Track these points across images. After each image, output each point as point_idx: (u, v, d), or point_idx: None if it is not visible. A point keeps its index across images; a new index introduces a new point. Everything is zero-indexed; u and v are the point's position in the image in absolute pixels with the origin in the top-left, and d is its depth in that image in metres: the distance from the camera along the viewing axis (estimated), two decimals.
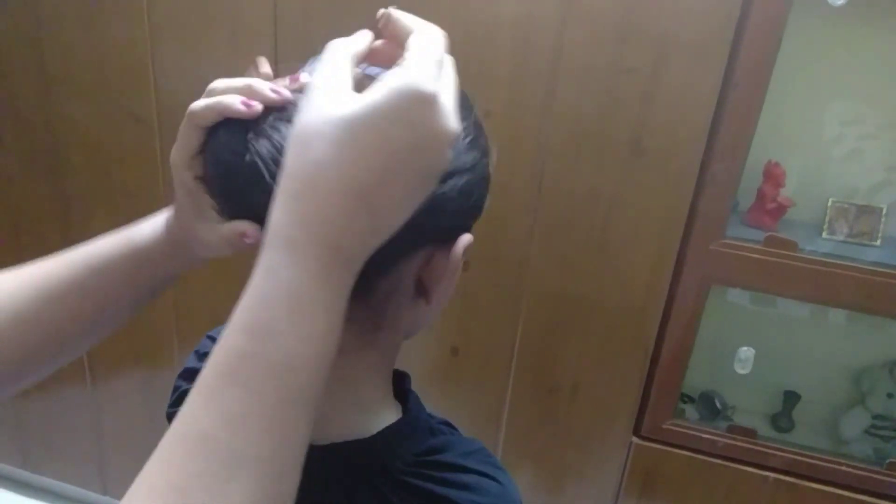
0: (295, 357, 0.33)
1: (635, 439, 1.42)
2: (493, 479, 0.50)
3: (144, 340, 1.69)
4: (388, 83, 0.33)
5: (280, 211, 0.34)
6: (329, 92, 0.34)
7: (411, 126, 0.34)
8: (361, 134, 0.33)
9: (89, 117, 1.51)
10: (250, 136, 0.41)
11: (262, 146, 0.40)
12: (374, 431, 0.49)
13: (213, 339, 0.60)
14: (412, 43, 0.36)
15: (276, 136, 0.40)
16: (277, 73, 0.48)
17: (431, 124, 0.34)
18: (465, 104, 0.46)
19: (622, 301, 1.32)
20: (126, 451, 1.82)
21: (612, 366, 1.38)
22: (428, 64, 0.35)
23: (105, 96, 1.48)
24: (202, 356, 0.59)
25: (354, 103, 0.33)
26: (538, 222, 1.31)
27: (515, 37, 1.21)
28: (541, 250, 1.33)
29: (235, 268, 1.54)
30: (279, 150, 0.39)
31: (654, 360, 1.36)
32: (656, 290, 1.30)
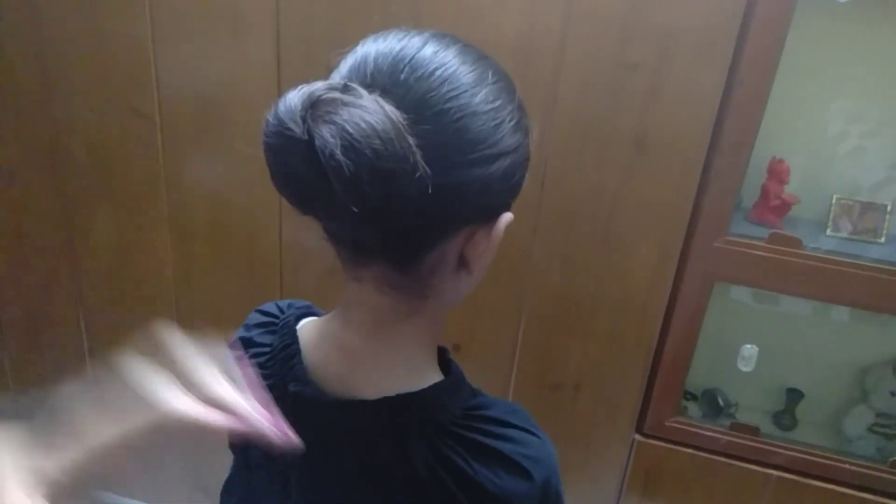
0: None
1: (638, 437, 1.42)
2: (535, 434, 0.55)
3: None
4: None
5: None
6: None
7: None
8: None
9: (91, 113, 1.50)
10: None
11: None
12: (423, 387, 0.53)
13: (261, 313, 0.65)
14: None
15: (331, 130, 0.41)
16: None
17: None
18: (509, 87, 0.49)
19: (625, 298, 1.32)
20: None
21: (614, 363, 1.38)
22: None
23: (107, 92, 1.47)
24: (251, 327, 0.64)
25: None
26: (541, 219, 1.31)
27: (519, 32, 1.20)
28: (543, 247, 1.33)
29: (236, 267, 1.54)
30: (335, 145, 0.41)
31: (657, 358, 1.36)
32: (659, 287, 1.30)
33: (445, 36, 0.48)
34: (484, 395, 0.58)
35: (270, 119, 0.43)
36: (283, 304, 0.66)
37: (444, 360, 0.59)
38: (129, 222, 1.58)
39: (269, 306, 0.66)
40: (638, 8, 1.14)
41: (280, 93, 0.43)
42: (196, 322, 1.63)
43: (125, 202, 1.56)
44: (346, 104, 0.41)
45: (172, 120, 1.45)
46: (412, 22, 1.23)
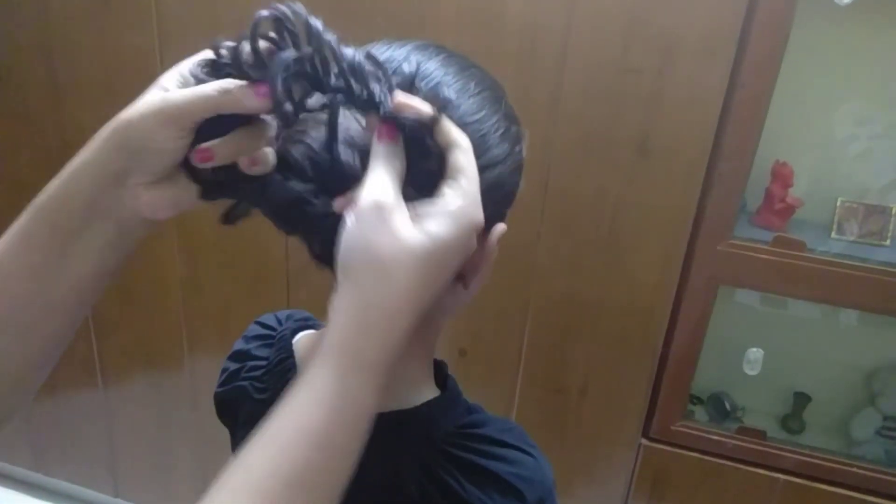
0: (348, 465, 0.39)
1: (644, 441, 1.42)
2: (529, 454, 0.53)
3: (154, 343, 1.70)
4: (455, 219, 0.39)
5: (356, 333, 0.38)
6: (395, 219, 0.38)
7: (466, 250, 0.40)
8: (434, 267, 0.39)
9: (99, 122, 1.51)
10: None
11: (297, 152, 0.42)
12: (418, 404, 0.52)
13: (261, 325, 0.64)
14: (460, 163, 0.40)
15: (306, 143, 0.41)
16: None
17: (475, 241, 0.41)
18: (495, 97, 0.48)
19: (629, 302, 1.32)
20: (137, 453, 1.83)
21: (620, 367, 1.38)
22: (476, 192, 0.40)
23: (115, 101, 1.47)
24: (250, 339, 0.64)
25: (428, 237, 0.38)
26: (545, 224, 1.31)
27: (521, 37, 1.21)
28: (548, 251, 1.33)
29: (244, 268, 1.55)
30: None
31: (663, 362, 1.35)
32: (664, 291, 1.30)
33: (429, 46, 0.47)
34: (481, 411, 0.57)
35: None
36: (283, 315, 0.65)
37: (441, 375, 0.57)
38: None
39: (269, 318, 0.65)
40: (640, 13, 1.14)
41: None
42: (203, 326, 1.64)
43: None
44: (321, 122, 0.40)
45: None
46: (416, 28, 1.24)
